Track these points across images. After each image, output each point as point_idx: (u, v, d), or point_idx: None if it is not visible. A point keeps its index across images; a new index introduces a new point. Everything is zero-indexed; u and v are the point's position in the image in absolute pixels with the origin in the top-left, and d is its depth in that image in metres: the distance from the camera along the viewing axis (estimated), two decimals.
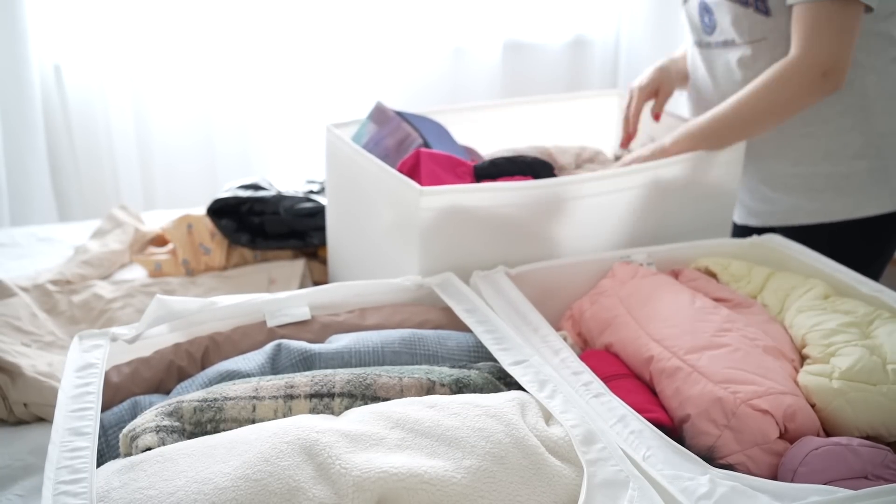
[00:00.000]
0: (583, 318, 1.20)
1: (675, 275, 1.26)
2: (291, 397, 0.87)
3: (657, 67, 1.65)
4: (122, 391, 0.99)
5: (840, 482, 0.81)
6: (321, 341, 1.06)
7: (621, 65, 3.21)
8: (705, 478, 0.76)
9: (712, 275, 1.27)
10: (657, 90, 1.63)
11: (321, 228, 1.64)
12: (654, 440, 0.82)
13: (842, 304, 1.10)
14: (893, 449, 0.88)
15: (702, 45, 1.54)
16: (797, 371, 0.99)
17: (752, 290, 1.22)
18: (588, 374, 0.94)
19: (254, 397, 0.86)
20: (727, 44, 1.47)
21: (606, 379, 1.00)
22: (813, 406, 0.93)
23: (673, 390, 0.96)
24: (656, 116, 1.63)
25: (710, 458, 0.84)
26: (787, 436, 0.90)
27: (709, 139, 1.38)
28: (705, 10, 1.48)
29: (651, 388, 1.02)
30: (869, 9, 1.33)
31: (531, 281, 1.21)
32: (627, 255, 1.30)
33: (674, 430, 0.92)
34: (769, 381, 0.92)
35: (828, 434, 0.92)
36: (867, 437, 0.91)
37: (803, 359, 1.03)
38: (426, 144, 1.44)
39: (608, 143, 1.78)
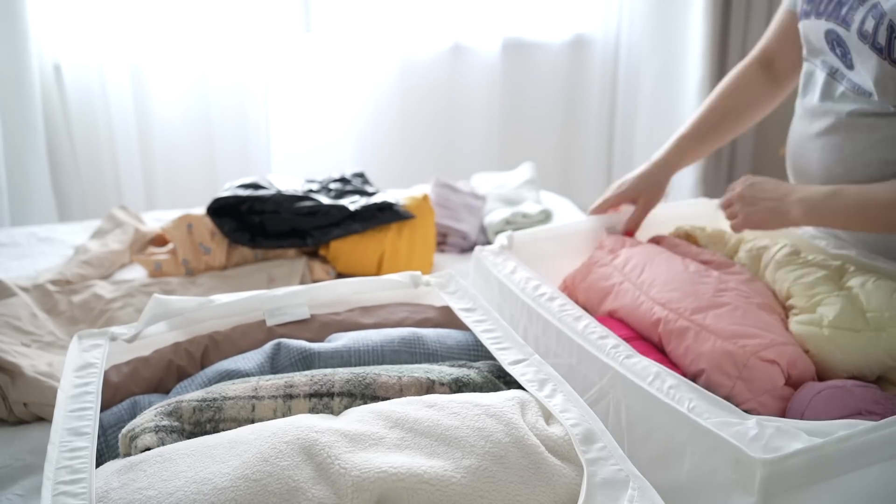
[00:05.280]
0: (579, 288, 1.26)
1: (657, 241, 1.34)
2: (291, 397, 0.86)
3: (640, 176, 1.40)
4: (121, 391, 0.99)
5: (841, 419, 0.85)
6: (321, 340, 1.06)
7: (621, 64, 3.20)
8: (752, 421, 0.79)
9: (692, 239, 1.34)
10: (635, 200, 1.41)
11: (321, 227, 1.64)
12: (692, 392, 0.86)
13: (812, 257, 1.17)
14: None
15: None
16: (784, 322, 1.06)
17: (728, 251, 1.30)
18: (614, 338, 0.98)
19: (253, 397, 0.86)
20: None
21: None
22: (806, 352, 1.01)
23: (684, 349, 1.03)
24: (629, 233, 1.39)
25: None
26: (790, 382, 0.98)
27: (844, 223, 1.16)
28: None
29: (659, 349, 1.09)
30: None
31: (524, 251, 1.28)
32: (613, 226, 1.38)
33: None
34: (770, 333, 1.00)
35: (819, 377, 1.01)
36: (852, 377, 1.00)
37: (786, 311, 1.10)
38: None
39: None
